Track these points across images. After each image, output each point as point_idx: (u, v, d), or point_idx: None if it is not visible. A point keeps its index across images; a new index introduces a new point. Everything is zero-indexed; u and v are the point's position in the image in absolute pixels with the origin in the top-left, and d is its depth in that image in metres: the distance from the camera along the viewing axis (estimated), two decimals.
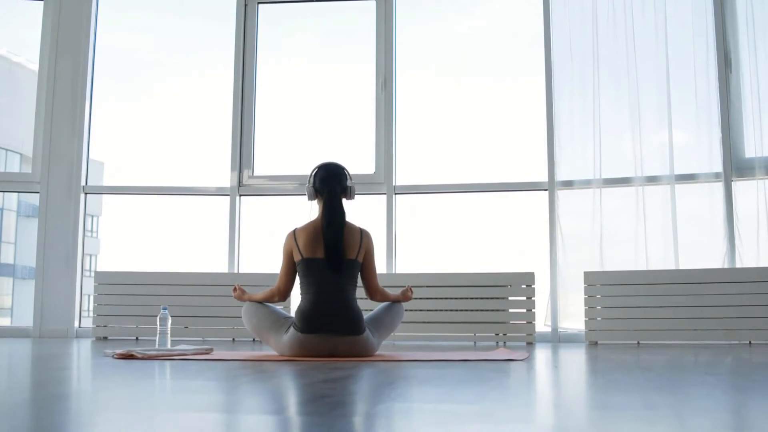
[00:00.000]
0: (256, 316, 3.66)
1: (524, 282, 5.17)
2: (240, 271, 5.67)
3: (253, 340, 5.22)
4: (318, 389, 2.24)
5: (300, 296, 3.63)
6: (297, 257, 3.61)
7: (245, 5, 5.97)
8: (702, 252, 5.14)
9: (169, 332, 3.84)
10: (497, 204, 5.85)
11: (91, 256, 7.65)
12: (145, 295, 5.42)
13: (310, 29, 6.33)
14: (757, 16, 5.23)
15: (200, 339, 5.28)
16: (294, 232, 3.65)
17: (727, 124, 5.23)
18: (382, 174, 5.68)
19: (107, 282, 5.52)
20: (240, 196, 5.81)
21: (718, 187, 5.18)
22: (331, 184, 3.68)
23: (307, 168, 3.81)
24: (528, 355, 3.80)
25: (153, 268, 5.61)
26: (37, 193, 5.83)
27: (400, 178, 5.70)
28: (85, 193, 5.89)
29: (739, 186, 5.20)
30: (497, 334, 5.13)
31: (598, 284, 5.10)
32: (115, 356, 3.44)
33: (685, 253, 5.14)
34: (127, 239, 6.60)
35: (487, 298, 5.18)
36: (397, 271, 5.54)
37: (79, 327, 5.73)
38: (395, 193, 5.66)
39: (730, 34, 5.30)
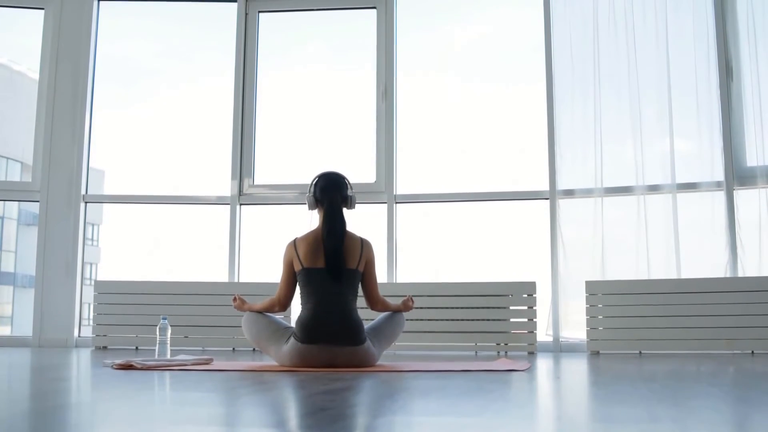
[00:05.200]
0: (256, 326, 3.65)
1: (525, 291, 5.16)
2: (240, 281, 5.65)
3: (253, 350, 5.20)
4: (318, 401, 2.23)
5: (300, 306, 3.61)
6: (297, 267, 3.60)
7: (246, 14, 5.98)
8: (704, 261, 5.12)
9: (168, 342, 3.83)
10: (498, 213, 5.83)
11: (91, 264, 7.63)
12: (145, 304, 5.41)
13: (311, 38, 6.33)
14: (758, 25, 5.22)
15: (200, 349, 5.26)
16: (294, 242, 3.64)
17: (729, 133, 5.22)
18: (382, 183, 5.67)
19: (107, 291, 5.51)
20: (240, 205, 5.80)
21: (720, 196, 5.17)
22: (331, 193, 3.67)
23: (307, 177, 3.80)
24: (529, 365, 3.78)
25: (153, 277, 5.60)
26: (38, 201, 5.82)
27: (401, 187, 5.69)
28: (85, 202, 5.88)
29: (741, 195, 5.18)
30: (498, 344, 5.11)
31: (599, 293, 5.08)
32: (115, 367, 3.42)
33: (687, 262, 5.12)
34: (127, 248, 6.59)
35: (489, 308, 5.16)
36: (397, 281, 5.52)
37: (79, 336, 5.72)
38: (396, 203, 5.65)
39: (731, 42, 5.30)
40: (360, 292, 3.67)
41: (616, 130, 5.38)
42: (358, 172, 5.55)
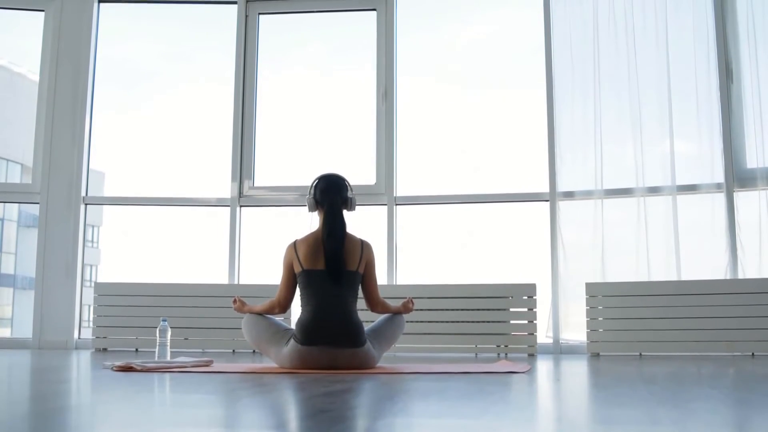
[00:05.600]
0: (256, 328, 3.65)
1: (525, 293, 5.16)
2: (240, 283, 5.65)
3: (253, 351, 5.19)
4: (318, 403, 2.23)
5: (300, 308, 3.61)
6: (297, 269, 3.60)
7: (246, 16, 5.98)
8: (704, 263, 5.12)
9: (168, 344, 3.83)
10: (498, 215, 5.83)
11: (91, 266, 7.63)
12: (145, 306, 5.41)
13: (312, 40, 6.33)
14: (758, 26, 5.22)
15: (200, 350, 5.26)
16: (294, 244, 3.64)
17: (729, 135, 5.22)
18: (382, 185, 5.67)
19: (107, 293, 5.50)
20: (240, 206, 5.80)
21: (720, 198, 5.17)
22: (331, 195, 3.67)
23: (307, 179, 3.80)
24: (530, 367, 3.78)
25: (153, 279, 5.59)
26: (38, 203, 5.82)
27: (401, 189, 5.69)
28: (86, 204, 5.87)
29: (741, 197, 5.18)
30: (498, 346, 5.11)
31: (599, 295, 5.08)
32: (114, 368, 3.42)
33: (687, 264, 5.12)
34: (127, 250, 6.58)
35: (489, 310, 5.16)
36: (397, 283, 5.52)
37: (79, 338, 5.71)
38: (396, 204, 5.65)
39: (731, 44, 5.30)
40: (360, 294, 3.67)
41: (616, 132, 5.38)
42: (358, 173, 5.55)
